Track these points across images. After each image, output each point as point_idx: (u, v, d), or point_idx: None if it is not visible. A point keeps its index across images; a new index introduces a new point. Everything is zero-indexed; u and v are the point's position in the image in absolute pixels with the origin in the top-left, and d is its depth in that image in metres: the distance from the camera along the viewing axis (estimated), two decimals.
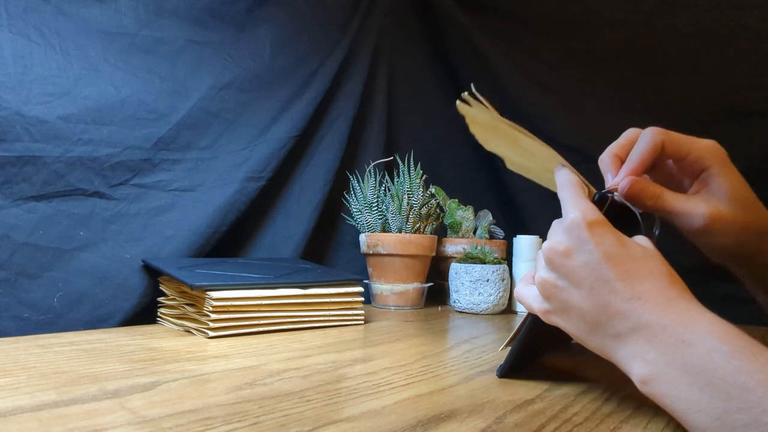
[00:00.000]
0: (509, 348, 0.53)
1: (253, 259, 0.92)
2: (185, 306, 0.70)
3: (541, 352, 0.58)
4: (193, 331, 0.68)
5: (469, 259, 1.00)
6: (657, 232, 0.47)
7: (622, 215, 0.45)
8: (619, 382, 0.50)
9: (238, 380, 0.46)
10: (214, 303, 0.65)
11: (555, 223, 0.44)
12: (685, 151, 0.47)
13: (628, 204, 0.46)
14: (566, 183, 0.45)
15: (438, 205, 1.10)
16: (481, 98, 0.45)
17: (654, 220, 0.47)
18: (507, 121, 0.46)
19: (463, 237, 1.10)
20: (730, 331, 0.34)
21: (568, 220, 0.41)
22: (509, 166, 0.54)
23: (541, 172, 0.52)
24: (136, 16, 0.82)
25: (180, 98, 0.86)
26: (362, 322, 0.80)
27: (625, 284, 0.38)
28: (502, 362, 0.51)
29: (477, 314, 0.96)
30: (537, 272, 0.45)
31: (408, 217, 1.03)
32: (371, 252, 1.01)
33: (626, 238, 0.40)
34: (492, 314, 0.97)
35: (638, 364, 0.37)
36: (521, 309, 1.01)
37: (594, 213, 0.41)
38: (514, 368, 0.51)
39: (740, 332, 0.34)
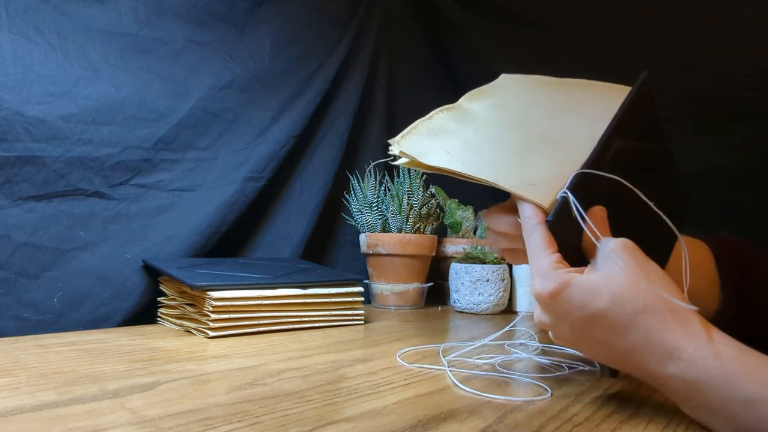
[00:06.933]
0: None
1: (253, 259, 0.92)
2: (185, 306, 0.70)
3: None
4: (193, 331, 0.68)
5: (469, 259, 1.00)
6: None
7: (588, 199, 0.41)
8: (618, 382, 0.50)
9: (238, 380, 0.46)
10: (214, 303, 0.65)
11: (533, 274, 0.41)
12: None
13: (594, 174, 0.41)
14: (529, 232, 0.41)
15: (438, 205, 1.10)
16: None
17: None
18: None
19: (463, 237, 1.10)
20: (741, 369, 0.34)
21: (535, 294, 0.41)
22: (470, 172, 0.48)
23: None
24: (136, 16, 0.82)
25: (180, 98, 0.86)
26: (362, 322, 0.80)
27: (614, 340, 0.38)
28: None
29: (477, 314, 0.96)
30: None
31: (408, 217, 1.03)
32: (371, 252, 1.01)
33: (593, 284, 0.38)
34: (492, 314, 0.97)
35: (687, 411, 0.38)
36: (521, 309, 1.01)
37: (550, 280, 0.39)
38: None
39: (747, 356, 0.34)
